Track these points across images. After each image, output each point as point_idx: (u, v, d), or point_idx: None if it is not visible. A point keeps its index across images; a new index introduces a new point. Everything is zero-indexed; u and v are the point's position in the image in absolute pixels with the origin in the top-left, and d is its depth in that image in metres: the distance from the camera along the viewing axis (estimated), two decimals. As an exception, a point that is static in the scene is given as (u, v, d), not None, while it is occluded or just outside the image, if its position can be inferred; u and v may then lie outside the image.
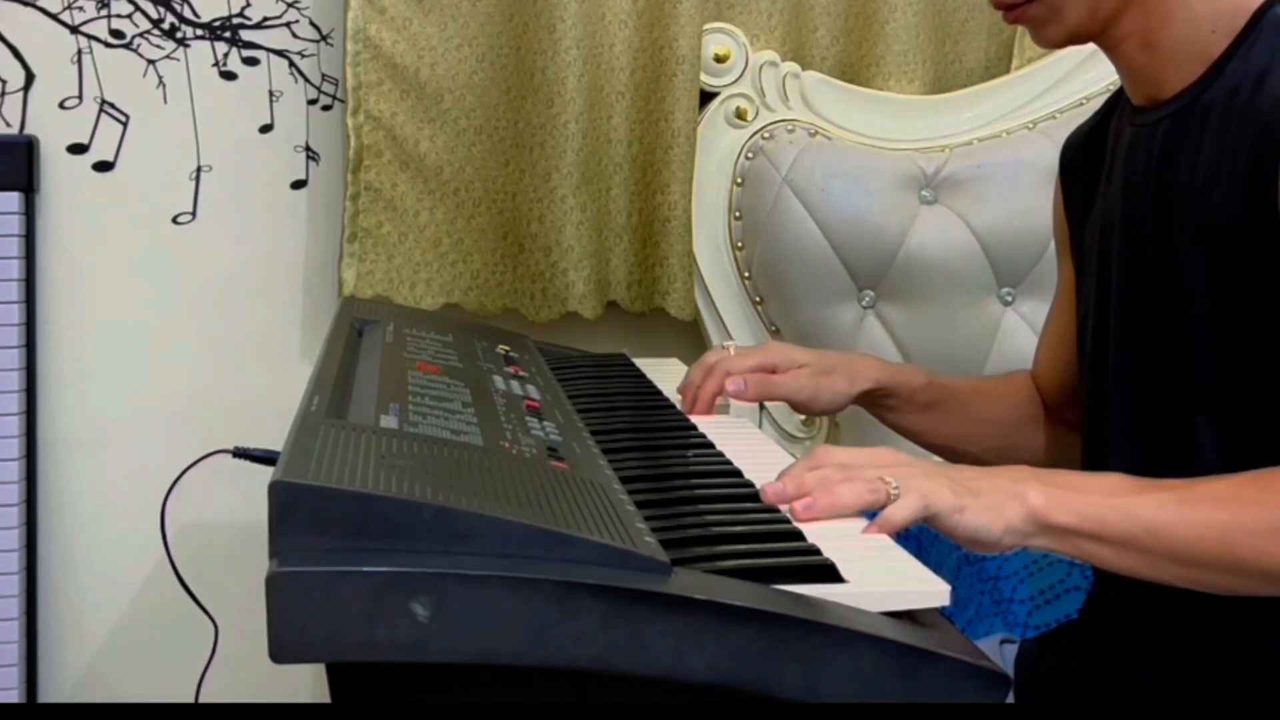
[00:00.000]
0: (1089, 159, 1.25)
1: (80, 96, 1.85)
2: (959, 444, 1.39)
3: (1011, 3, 1.11)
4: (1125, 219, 1.15)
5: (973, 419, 1.39)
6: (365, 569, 0.77)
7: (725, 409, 1.37)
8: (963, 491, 0.95)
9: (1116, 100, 1.23)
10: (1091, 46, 1.15)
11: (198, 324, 1.92)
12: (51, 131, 1.85)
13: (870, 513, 0.97)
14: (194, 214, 1.90)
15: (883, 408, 1.38)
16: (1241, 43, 1.06)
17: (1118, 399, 1.16)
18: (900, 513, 0.94)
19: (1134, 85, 1.15)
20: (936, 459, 1.36)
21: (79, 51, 1.85)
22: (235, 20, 1.87)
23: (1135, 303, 1.14)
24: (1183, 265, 1.08)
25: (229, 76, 1.89)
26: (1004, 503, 0.95)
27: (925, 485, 0.95)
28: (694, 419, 1.31)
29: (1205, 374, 1.07)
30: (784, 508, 0.98)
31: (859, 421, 1.61)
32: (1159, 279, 1.10)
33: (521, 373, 1.33)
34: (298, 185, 1.92)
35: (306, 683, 1.97)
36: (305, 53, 1.90)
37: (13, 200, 1.81)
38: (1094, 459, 1.21)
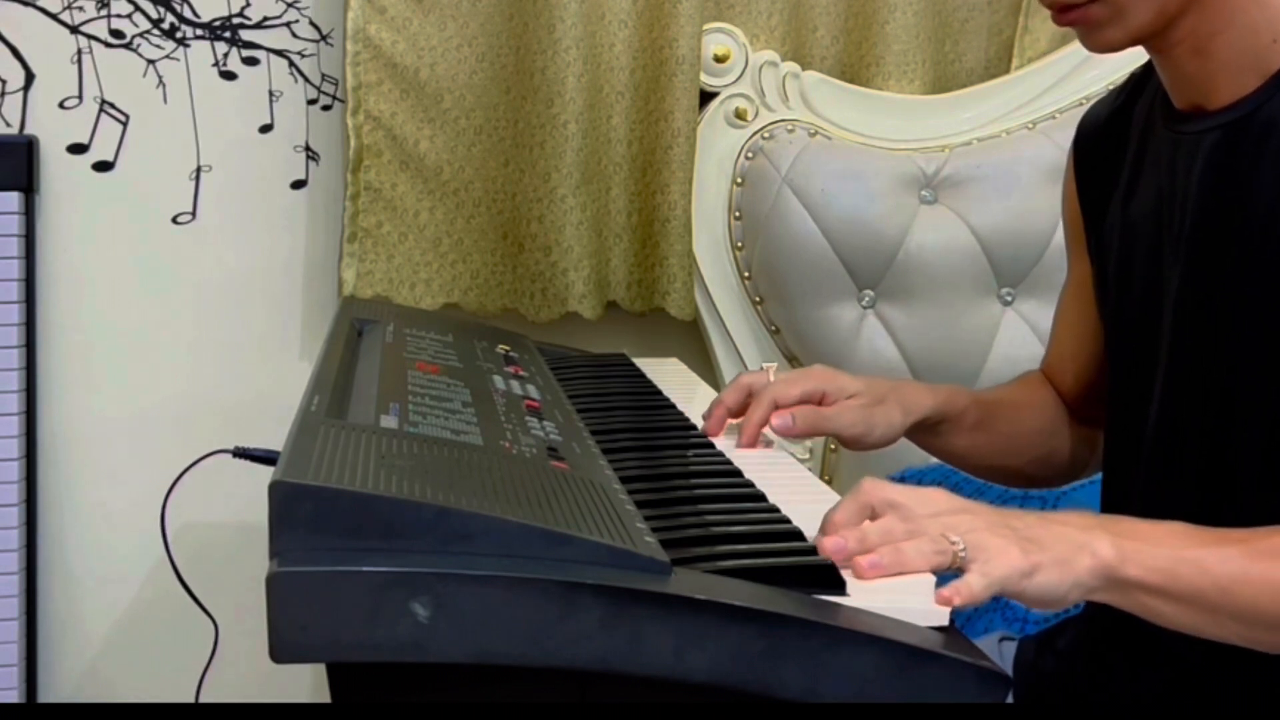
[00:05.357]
0: (1108, 146, 1.21)
1: (80, 96, 1.85)
2: (1004, 460, 1.34)
3: (1071, 2, 1.04)
4: (1162, 230, 1.11)
5: (1014, 433, 1.33)
6: (365, 569, 0.77)
7: (766, 441, 1.26)
8: (1031, 548, 0.89)
9: (1140, 86, 1.19)
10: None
11: (198, 324, 1.91)
12: (51, 131, 1.85)
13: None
14: (194, 214, 1.90)
15: (932, 434, 1.30)
16: None
17: (1154, 413, 1.12)
18: (978, 594, 0.87)
19: (1179, 91, 1.10)
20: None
21: (79, 51, 1.84)
22: (235, 20, 1.87)
23: (1172, 318, 1.09)
24: (1231, 282, 1.04)
25: (229, 76, 1.88)
26: (1073, 555, 0.90)
27: (992, 545, 0.89)
28: (690, 417, 1.31)
29: (1251, 395, 1.03)
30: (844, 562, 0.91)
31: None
32: (1204, 294, 1.06)
33: (521, 373, 1.33)
34: (298, 185, 1.92)
35: (306, 683, 1.97)
36: (305, 53, 1.90)
37: (13, 200, 1.81)
38: (1120, 467, 1.19)
